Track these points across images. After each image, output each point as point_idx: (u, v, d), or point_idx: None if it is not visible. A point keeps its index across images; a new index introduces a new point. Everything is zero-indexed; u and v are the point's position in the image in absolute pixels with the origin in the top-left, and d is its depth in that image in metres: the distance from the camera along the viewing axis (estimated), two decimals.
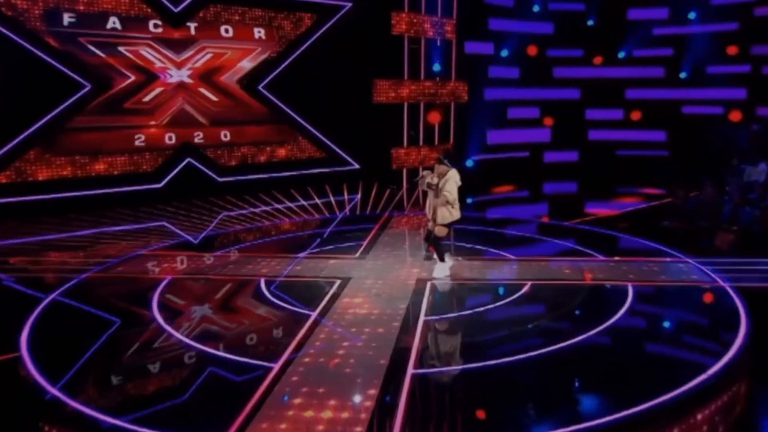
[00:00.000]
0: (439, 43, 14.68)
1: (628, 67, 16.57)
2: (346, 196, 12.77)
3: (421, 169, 14.25)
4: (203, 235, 9.16)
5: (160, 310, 5.96)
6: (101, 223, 9.87)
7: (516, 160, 16.50)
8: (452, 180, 6.43)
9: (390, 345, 5.16)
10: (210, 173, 13.08)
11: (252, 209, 11.31)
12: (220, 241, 8.96)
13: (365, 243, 8.48)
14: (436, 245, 6.74)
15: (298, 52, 13.81)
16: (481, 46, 15.85)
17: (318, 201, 12.16)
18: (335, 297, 6.33)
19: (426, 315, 5.88)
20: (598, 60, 16.87)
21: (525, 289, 6.63)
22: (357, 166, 14.69)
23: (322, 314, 5.90)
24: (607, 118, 17.01)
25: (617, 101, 16.84)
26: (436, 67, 14.88)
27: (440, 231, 6.63)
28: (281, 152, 14.02)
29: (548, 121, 17.10)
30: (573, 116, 17.02)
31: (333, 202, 12.05)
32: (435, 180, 6.66)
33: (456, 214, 6.54)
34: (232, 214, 10.75)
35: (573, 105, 17.01)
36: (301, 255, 7.95)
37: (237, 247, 8.51)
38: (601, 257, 7.91)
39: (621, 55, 16.65)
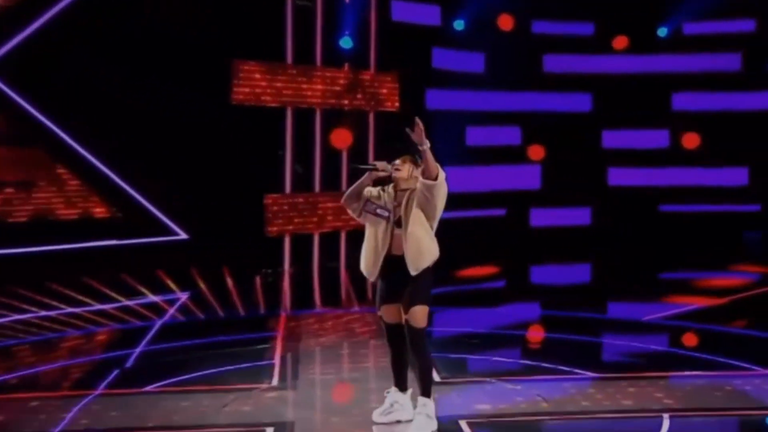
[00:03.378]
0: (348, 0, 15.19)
1: (676, 54, 17.13)
2: (178, 292, 13.05)
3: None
4: None
5: None
6: None
7: (482, 223, 16.58)
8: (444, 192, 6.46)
9: None
10: None
11: None
12: None
13: (276, 362, 8.78)
14: (420, 353, 6.39)
15: (66, 2, 13.52)
16: (421, 10, 16.04)
17: (127, 301, 12.21)
18: None
19: None
20: (620, 42, 17.40)
21: (665, 427, 6.63)
22: (184, 235, 14.82)
23: None
24: (641, 147, 17.38)
25: (658, 116, 17.30)
26: (345, 44, 15.21)
27: (422, 316, 6.30)
28: (26, 204, 13.75)
29: (536, 151, 17.35)
30: (580, 143, 17.27)
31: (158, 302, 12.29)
32: (386, 200, 6.42)
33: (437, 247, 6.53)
34: None
35: (580, 123, 17.33)
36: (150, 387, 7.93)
37: None
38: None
39: (662, 32, 17.25)
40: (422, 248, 6.20)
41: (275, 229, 14.79)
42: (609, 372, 8.24)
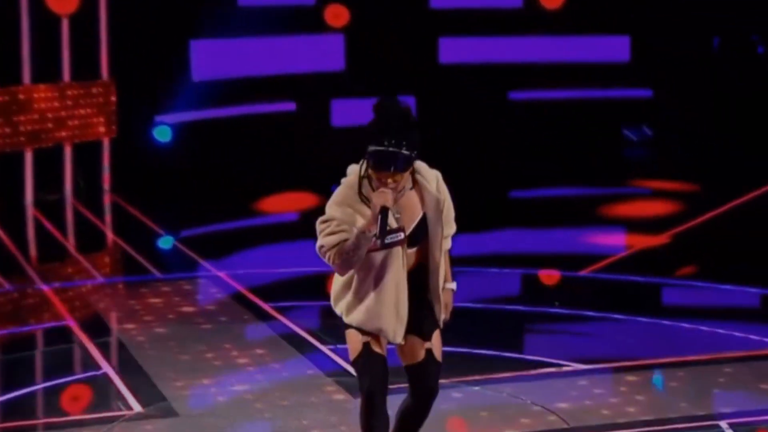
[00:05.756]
0: None
1: None
2: None
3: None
4: None
5: None
6: None
7: (263, 123, 17.39)
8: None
9: None
10: None
11: None
12: None
13: (108, 371, 8.92)
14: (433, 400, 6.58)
15: None
16: None
17: None
18: None
19: None
20: None
21: None
22: None
23: None
24: (483, 6, 17.84)
25: None
26: None
27: (440, 346, 6.53)
28: None
29: (337, 14, 17.68)
30: (398, 2, 17.78)
31: None
32: (395, 214, 6.24)
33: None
34: None
35: None
36: None
37: None
38: None
39: None
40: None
41: None
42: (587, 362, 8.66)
